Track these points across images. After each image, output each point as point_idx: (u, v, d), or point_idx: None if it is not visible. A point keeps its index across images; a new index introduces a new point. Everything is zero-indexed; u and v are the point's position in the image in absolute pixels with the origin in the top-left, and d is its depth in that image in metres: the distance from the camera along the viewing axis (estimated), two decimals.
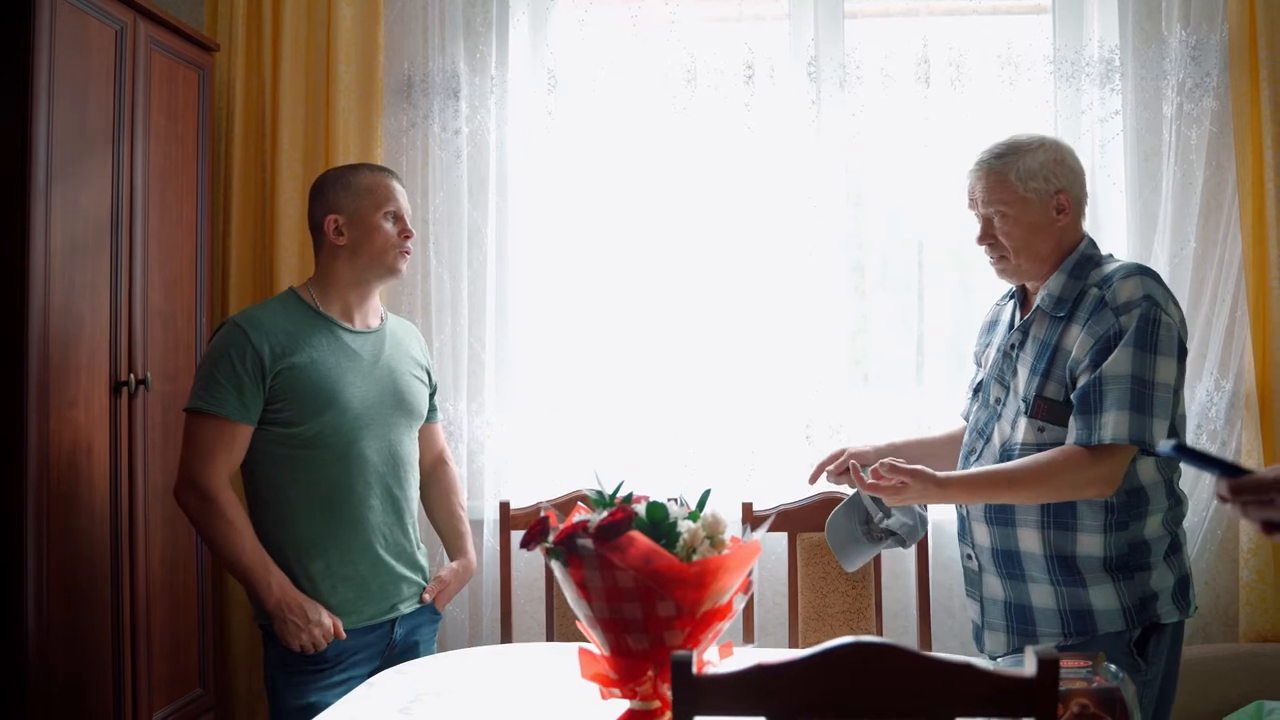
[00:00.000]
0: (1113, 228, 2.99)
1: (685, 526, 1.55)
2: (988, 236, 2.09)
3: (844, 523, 2.25)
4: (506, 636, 2.73)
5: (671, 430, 3.02)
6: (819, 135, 2.99)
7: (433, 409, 2.47)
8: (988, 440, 2.09)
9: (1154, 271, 1.98)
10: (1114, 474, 1.90)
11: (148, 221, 2.57)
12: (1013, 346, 2.08)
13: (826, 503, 2.75)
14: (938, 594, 2.89)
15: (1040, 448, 1.96)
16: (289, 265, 2.97)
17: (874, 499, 2.16)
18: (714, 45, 3.04)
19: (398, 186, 2.32)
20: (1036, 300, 2.05)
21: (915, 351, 3.00)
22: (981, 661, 1.93)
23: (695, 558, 1.50)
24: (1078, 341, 1.94)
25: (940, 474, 1.94)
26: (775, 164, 3.01)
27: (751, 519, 2.72)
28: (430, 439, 2.49)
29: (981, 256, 2.14)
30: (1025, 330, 2.07)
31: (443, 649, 2.66)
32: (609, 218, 3.10)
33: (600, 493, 1.69)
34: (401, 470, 2.29)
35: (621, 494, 1.68)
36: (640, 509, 1.58)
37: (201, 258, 2.82)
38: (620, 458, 3.02)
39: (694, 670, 1.15)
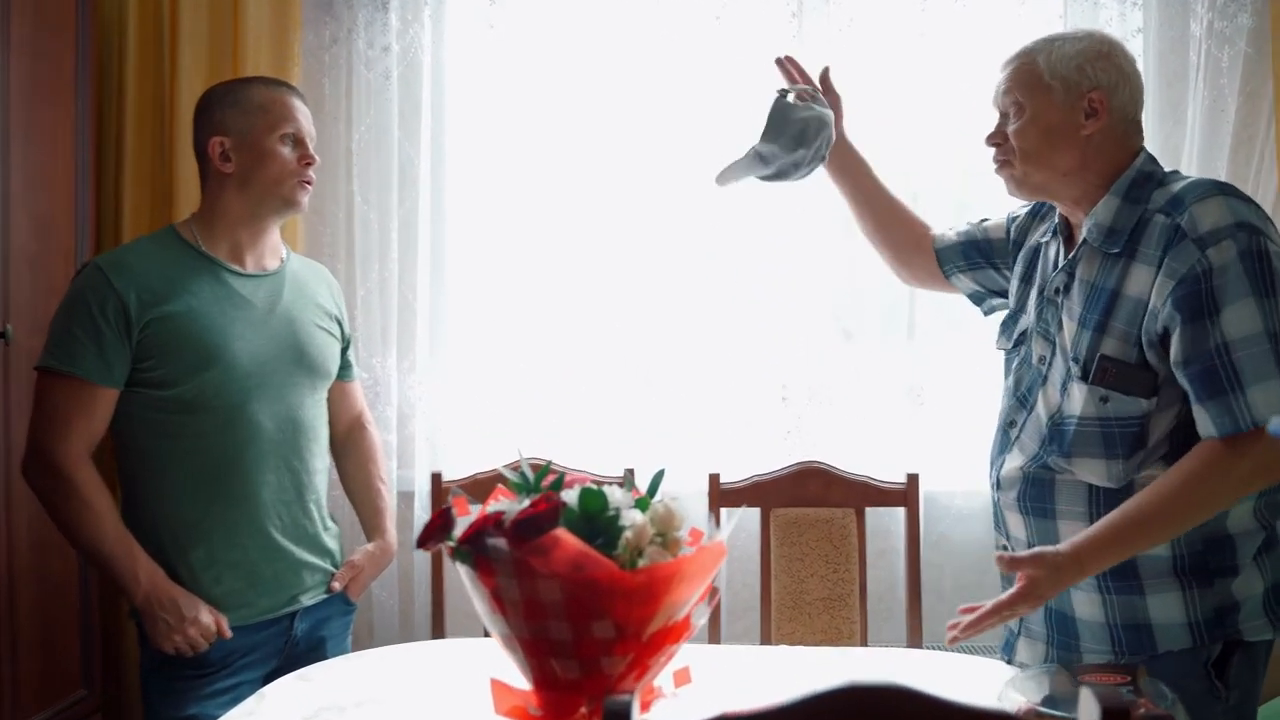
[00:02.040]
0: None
1: (630, 519, 1.21)
2: (998, 134, 1.70)
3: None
4: (439, 631, 2.40)
5: (630, 392, 2.66)
6: (801, 52, 2.61)
7: (346, 365, 2.11)
8: (1031, 409, 1.70)
9: (1238, 189, 1.59)
10: (1276, 458, 1.50)
11: (8, 151, 2.17)
12: (1057, 291, 1.69)
13: (804, 473, 2.42)
14: (930, 575, 2.56)
15: (1104, 423, 1.58)
16: (191, 203, 2.57)
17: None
18: None
19: (298, 104, 1.96)
20: (1082, 232, 1.66)
21: (907, 303, 2.65)
22: (1005, 672, 1.60)
23: (642, 563, 1.15)
24: (1154, 285, 1.54)
25: (1064, 548, 1.51)
26: (751, 86, 2.62)
27: (719, 494, 2.38)
28: (345, 400, 2.14)
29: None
30: (1071, 271, 1.67)
31: (366, 645, 2.31)
32: (561, 150, 2.71)
33: (523, 474, 1.33)
34: (303, 438, 1.93)
35: (550, 475, 1.33)
36: (571, 496, 1.23)
37: (83, 193, 2.42)
38: (572, 423, 2.67)
39: None
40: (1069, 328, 1.64)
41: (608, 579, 1.12)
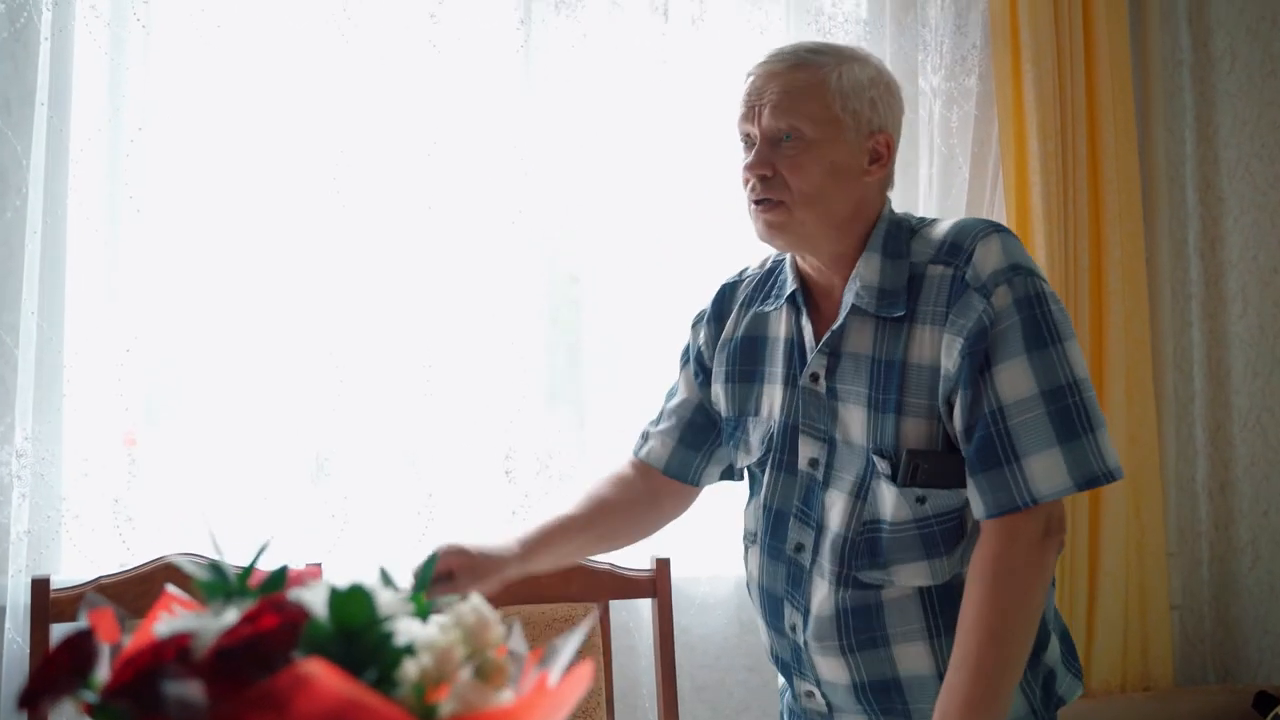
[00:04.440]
0: None
1: (417, 633, 0.73)
2: (763, 165, 1.35)
3: None
4: None
5: (315, 463, 2.10)
6: (528, 67, 2.25)
7: None
8: (820, 526, 1.38)
9: (1005, 226, 1.37)
10: (1062, 526, 1.30)
11: None
12: (816, 377, 1.39)
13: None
14: (686, 661, 2.21)
15: (922, 524, 1.32)
16: None
17: None
18: None
19: None
20: (847, 298, 1.36)
21: (630, 361, 2.32)
22: None
23: (449, 709, 0.68)
24: (942, 346, 1.30)
25: None
26: (471, 100, 2.22)
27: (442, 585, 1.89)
28: None
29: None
30: (834, 349, 1.37)
31: None
32: (229, 157, 2.13)
33: (217, 566, 0.81)
34: None
35: (264, 565, 0.82)
36: (312, 598, 0.73)
37: None
38: (245, 504, 2.07)
39: None
40: (853, 416, 1.35)
41: None
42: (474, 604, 0.75)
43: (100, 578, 1.82)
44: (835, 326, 1.36)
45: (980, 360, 1.27)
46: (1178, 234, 2.71)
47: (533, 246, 2.25)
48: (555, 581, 1.97)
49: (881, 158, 1.39)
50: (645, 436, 1.62)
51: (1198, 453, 2.69)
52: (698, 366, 1.57)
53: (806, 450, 1.39)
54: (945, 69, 2.51)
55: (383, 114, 2.19)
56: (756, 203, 1.36)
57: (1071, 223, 2.45)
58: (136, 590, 1.80)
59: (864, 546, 1.33)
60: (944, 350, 1.29)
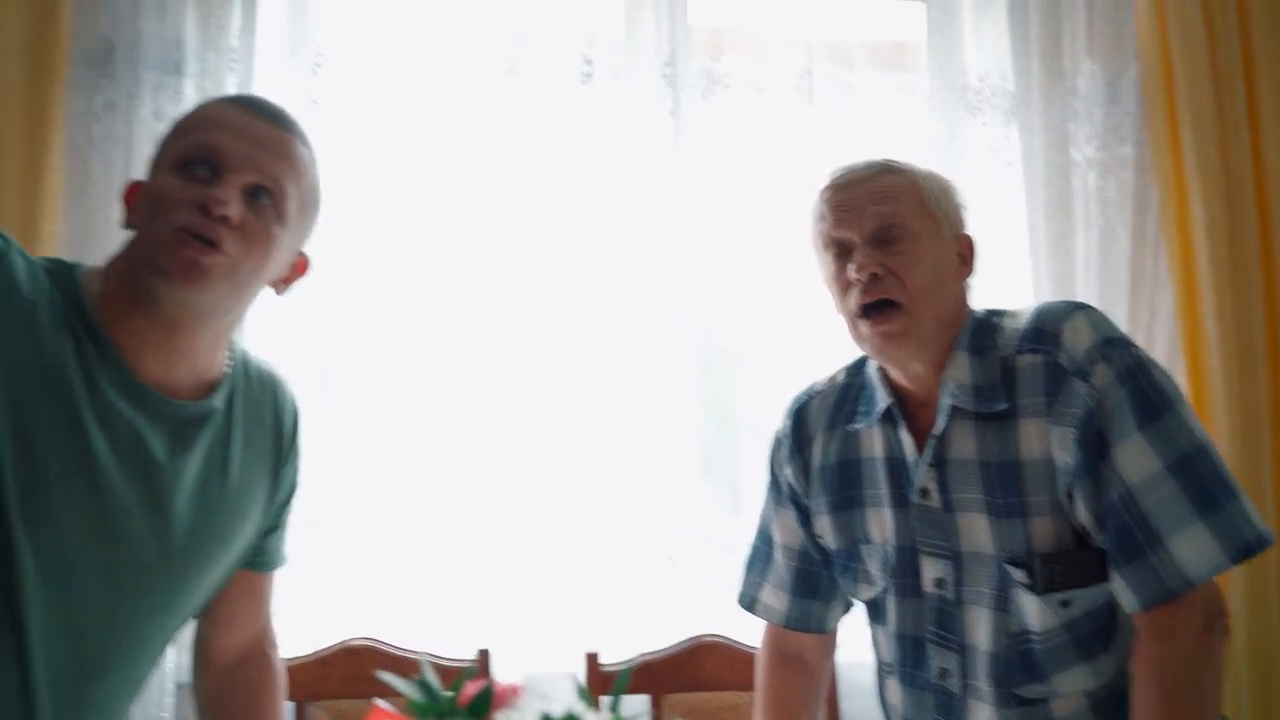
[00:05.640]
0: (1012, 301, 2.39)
1: None
2: (874, 264, 1.29)
3: None
4: None
5: (480, 550, 2.15)
6: (678, 152, 2.30)
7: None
8: (962, 648, 1.32)
9: (1087, 304, 1.34)
10: (1224, 609, 1.23)
11: None
12: (925, 492, 1.33)
13: (700, 650, 1.99)
14: None
15: (1073, 628, 1.26)
16: None
17: None
18: (542, 29, 2.30)
19: (247, 119, 1.18)
20: (944, 401, 1.31)
21: None
22: None
23: None
24: (1052, 440, 1.24)
25: None
26: (624, 187, 2.28)
27: (600, 677, 1.90)
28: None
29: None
30: (940, 457, 1.32)
31: None
32: (391, 251, 2.23)
33: (426, 684, 0.85)
34: None
35: (474, 682, 0.85)
36: None
37: None
38: (402, 589, 2.13)
39: None
40: (975, 526, 1.29)
41: None
42: None
43: (285, 660, 1.89)
44: (936, 433, 1.31)
45: (1095, 446, 1.21)
46: None
47: (686, 325, 2.27)
48: (717, 669, 1.97)
49: (967, 260, 1.38)
50: (752, 594, 1.56)
51: None
52: (793, 505, 1.50)
53: (930, 571, 1.34)
54: (1098, 138, 2.45)
55: (538, 202, 2.26)
56: (867, 312, 1.30)
57: (1243, 292, 2.34)
58: (319, 672, 1.87)
59: (1018, 662, 1.27)
60: (1055, 444, 1.24)
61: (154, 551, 1.17)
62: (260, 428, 1.31)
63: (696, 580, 2.18)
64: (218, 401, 1.23)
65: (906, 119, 2.47)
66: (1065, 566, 1.25)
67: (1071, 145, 2.46)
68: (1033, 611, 1.26)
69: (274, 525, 1.37)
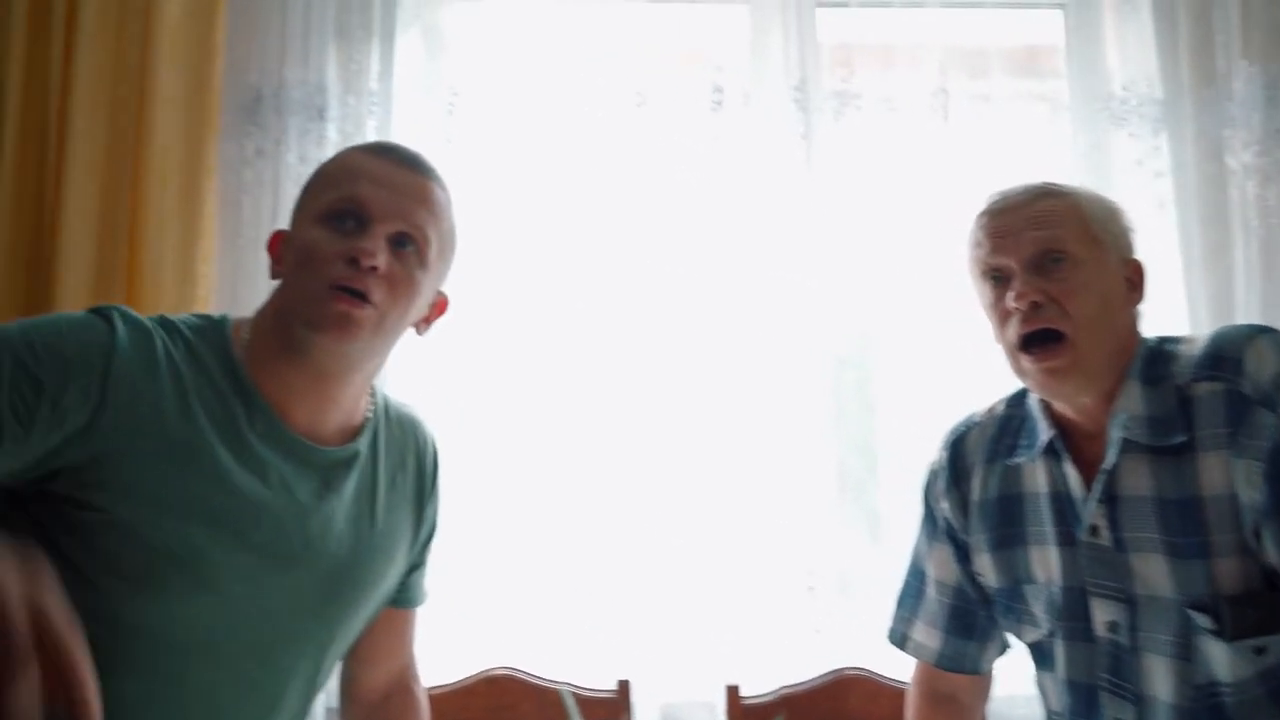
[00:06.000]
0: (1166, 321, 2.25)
1: None
2: (1035, 291, 1.24)
3: None
4: None
5: (620, 582, 2.14)
6: (811, 175, 2.27)
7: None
8: (1140, 698, 1.23)
9: (1268, 327, 1.25)
10: None
11: None
12: (1095, 530, 1.26)
13: (843, 683, 1.95)
14: None
15: (1269, 678, 1.17)
16: None
17: None
18: (670, 60, 2.31)
19: (386, 168, 1.21)
20: (1114, 434, 1.23)
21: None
22: None
23: None
24: (1237, 474, 1.16)
25: None
26: (755, 216, 2.26)
27: (741, 710, 1.88)
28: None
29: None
30: (1110, 493, 1.24)
31: None
32: (527, 285, 2.27)
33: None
34: None
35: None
36: None
37: None
38: (541, 618, 2.14)
39: None
40: (1152, 568, 1.21)
41: None
42: None
43: (429, 689, 1.91)
44: (1106, 467, 1.24)
45: None
46: None
47: (822, 352, 2.24)
48: (862, 703, 1.93)
49: (1138, 286, 1.31)
50: (903, 630, 1.50)
51: None
52: (949, 540, 1.45)
53: (1102, 613, 1.26)
54: (1257, 144, 2.31)
55: (671, 232, 2.26)
56: (1029, 346, 1.25)
57: None
58: (461, 701, 1.90)
59: (1206, 716, 1.19)
60: (1241, 478, 1.16)
61: (310, 597, 1.21)
62: (403, 469, 1.34)
63: (836, 611, 2.13)
64: (362, 445, 1.27)
65: (1047, 132, 2.38)
66: (1257, 610, 1.16)
67: (1227, 153, 2.33)
68: (1222, 661, 1.18)
69: (417, 563, 1.41)
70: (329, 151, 2.20)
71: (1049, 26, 2.47)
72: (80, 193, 2.10)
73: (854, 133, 2.31)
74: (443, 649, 2.10)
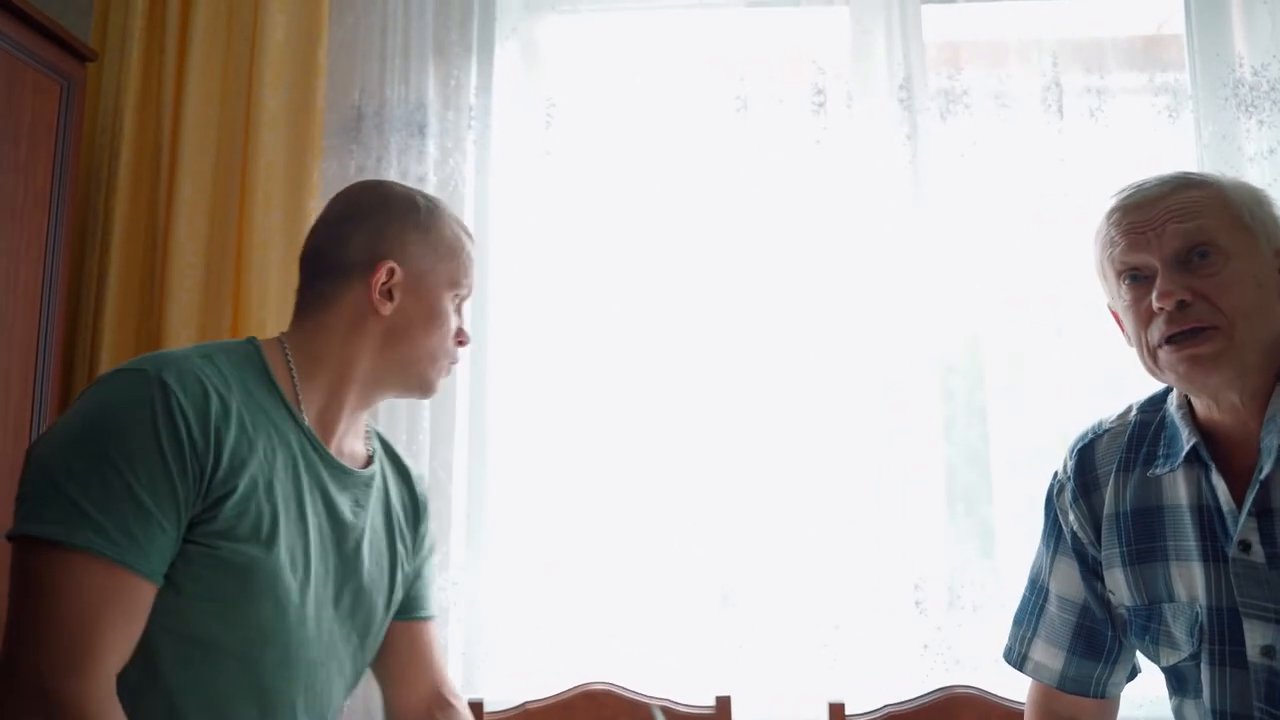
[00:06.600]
0: None
1: None
2: (1181, 290, 1.15)
3: None
4: None
5: (720, 597, 2.11)
6: (916, 178, 2.19)
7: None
8: None
9: None
10: None
11: None
12: (1246, 545, 1.15)
13: (953, 702, 1.87)
14: None
15: None
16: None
17: None
18: (770, 63, 2.26)
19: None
20: (1269, 441, 1.14)
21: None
22: None
23: None
24: None
25: None
26: (860, 220, 2.20)
27: None
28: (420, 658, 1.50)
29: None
30: (1264, 505, 1.15)
31: None
32: (629, 297, 2.25)
33: None
34: None
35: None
36: None
37: (47, 345, 1.97)
38: (644, 635, 2.11)
39: None
40: None
41: None
42: None
43: (527, 702, 1.92)
44: (1260, 477, 1.14)
45: None
46: None
47: (927, 352, 2.16)
48: None
49: None
50: (1022, 650, 1.42)
51: None
52: (1075, 554, 1.36)
53: (1256, 636, 1.16)
54: None
55: (775, 238, 2.22)
56: (1174, 338, 1.16)
57: None
58: (560, 715, 1.89)
59: None
60: None
61: (347, 607, 1.31)
62: (401, 489, 1.47)
63: (945, 626, 2.04)
64: (375, 467, 1.40)
65: (1169, 125, 2.25)
66: None
67: None
68: None
69: (418, 574, 1.49)
70: (430, 168, 2.23)
71: (1168, 12, 2.34)
72: (190, 212, 2.17)
73: (962, 132, 2.23)
74: (543, 662, 2.09)
